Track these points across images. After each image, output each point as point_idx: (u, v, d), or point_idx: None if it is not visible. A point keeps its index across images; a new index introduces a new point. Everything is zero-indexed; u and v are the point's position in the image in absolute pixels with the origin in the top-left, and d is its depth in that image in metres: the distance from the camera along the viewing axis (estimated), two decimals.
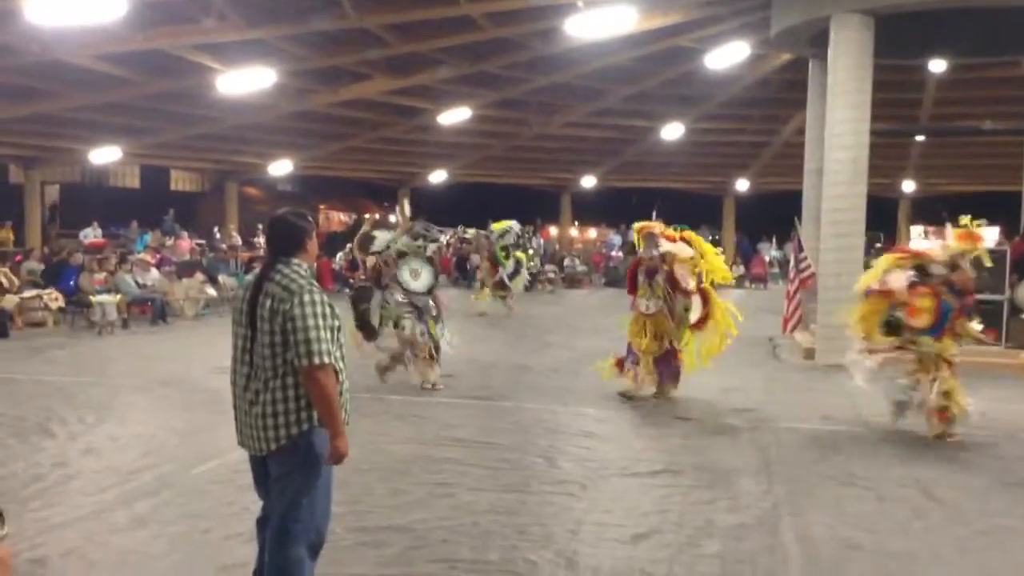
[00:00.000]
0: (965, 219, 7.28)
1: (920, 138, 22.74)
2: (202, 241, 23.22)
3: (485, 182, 30.51)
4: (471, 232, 18.35)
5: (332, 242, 25.66)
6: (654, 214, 9.00)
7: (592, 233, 37.85)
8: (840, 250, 11.26)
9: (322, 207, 35.91)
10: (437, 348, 9.06)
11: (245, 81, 15.20)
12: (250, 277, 3.92)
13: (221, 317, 14.83)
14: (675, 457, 6.55)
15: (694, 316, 8.40)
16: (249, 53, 14.43)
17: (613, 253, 28.99)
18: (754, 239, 30.56)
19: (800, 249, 12.52)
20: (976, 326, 7.48)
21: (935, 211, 34.89)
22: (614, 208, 33.24)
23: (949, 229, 7.44)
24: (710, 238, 24.15)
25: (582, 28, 13.91)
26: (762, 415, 8.01)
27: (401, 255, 9.09)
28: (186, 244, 21.52)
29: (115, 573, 4.37)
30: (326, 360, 3.34)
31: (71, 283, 14.56)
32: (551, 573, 4.36)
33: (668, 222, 8.92)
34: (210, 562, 4.44)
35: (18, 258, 17.17)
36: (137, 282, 15.07)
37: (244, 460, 3.70)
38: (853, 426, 7.65)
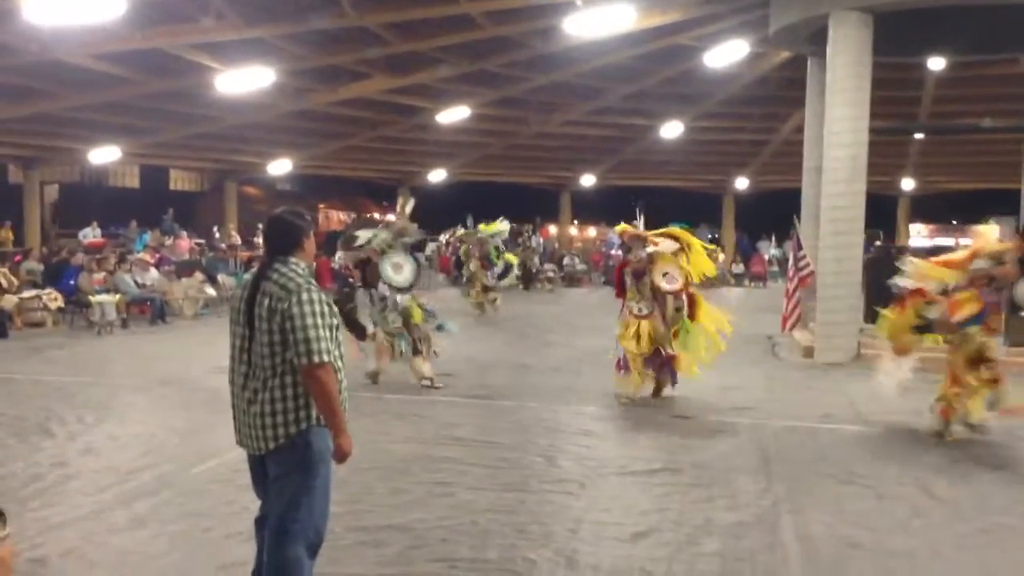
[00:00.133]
0: (988, 220, 7.26)
1: (919, 136, 22.75)
2: (201, 241, 23.23)
3: (484, 181, 30.49)
4: (461, 231, 18.25)
5: (331, 241, 25.61)
6: (638, 213, 8.93)
7: (591, 232, 37.87)
8: (839, 248, 11.27)
9: (321, 206, 35.95)
10: (423, 341, 9.05)
11: (244, 80, 15.19)
12: (248, 276, 3.92)
13: (220, 317, 14.83)
14: (674, 455, 6.54)
15: (686, 312, 8.39)
16: (248, 52, 14.43)
17: (612, 252, 28.89)
18: (753, 237, 30.56)
19: (799, 247, 12.50)
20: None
21: (934, 209, 35.02)
22: (613, 207, 33.14)
23: (975, 228, 7.37)
24: (709, 236, 24.26)
25: (581, 26, 13.92)
26: (761, 413, 8.00)
27: (383, 251, 9.12)
28: (185, 244, 21.53)
29: (115, 573, 4.37)
30: (326, 358, 3.34)
31: (70, 283, 14.57)
32: (550, 572, 4.36)
33: (652, 222, 8.85)
34: (210, 561, 4.44)
35: (17, 258, 17.14)
36: (136, 282, 15.06)
37: (243, 459, 3.69)
38: (852, 424, 7.65)
